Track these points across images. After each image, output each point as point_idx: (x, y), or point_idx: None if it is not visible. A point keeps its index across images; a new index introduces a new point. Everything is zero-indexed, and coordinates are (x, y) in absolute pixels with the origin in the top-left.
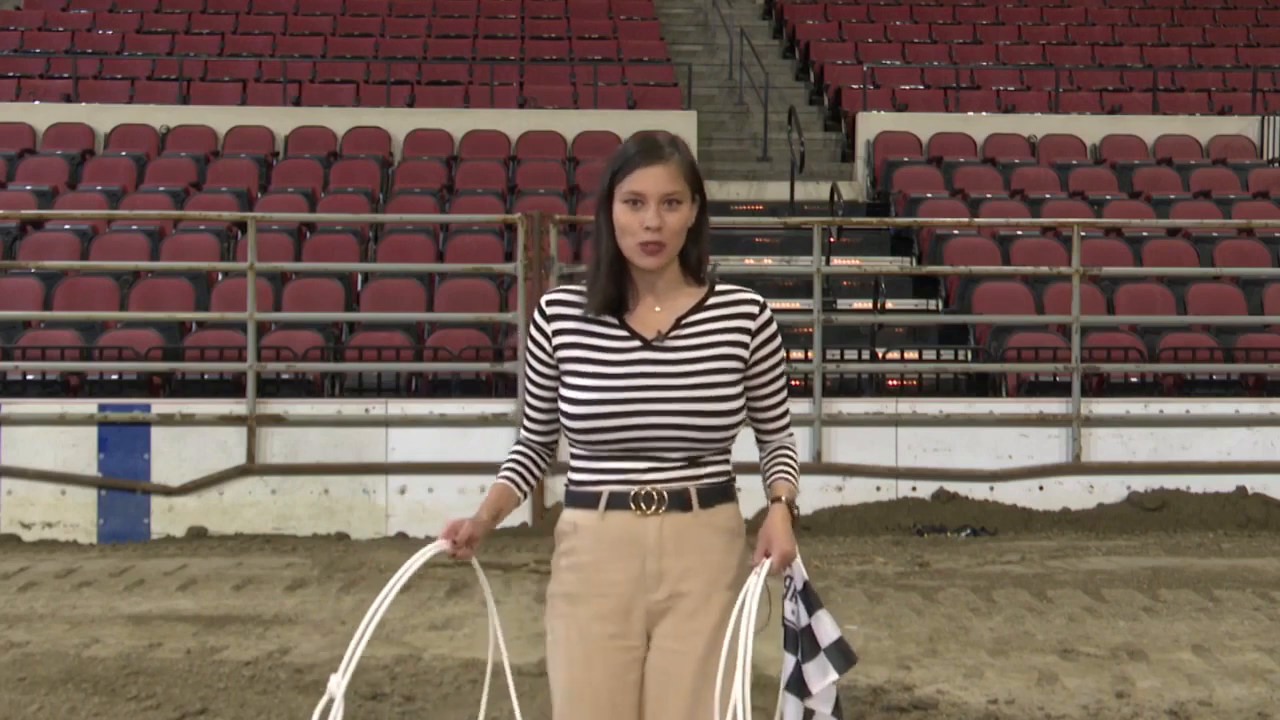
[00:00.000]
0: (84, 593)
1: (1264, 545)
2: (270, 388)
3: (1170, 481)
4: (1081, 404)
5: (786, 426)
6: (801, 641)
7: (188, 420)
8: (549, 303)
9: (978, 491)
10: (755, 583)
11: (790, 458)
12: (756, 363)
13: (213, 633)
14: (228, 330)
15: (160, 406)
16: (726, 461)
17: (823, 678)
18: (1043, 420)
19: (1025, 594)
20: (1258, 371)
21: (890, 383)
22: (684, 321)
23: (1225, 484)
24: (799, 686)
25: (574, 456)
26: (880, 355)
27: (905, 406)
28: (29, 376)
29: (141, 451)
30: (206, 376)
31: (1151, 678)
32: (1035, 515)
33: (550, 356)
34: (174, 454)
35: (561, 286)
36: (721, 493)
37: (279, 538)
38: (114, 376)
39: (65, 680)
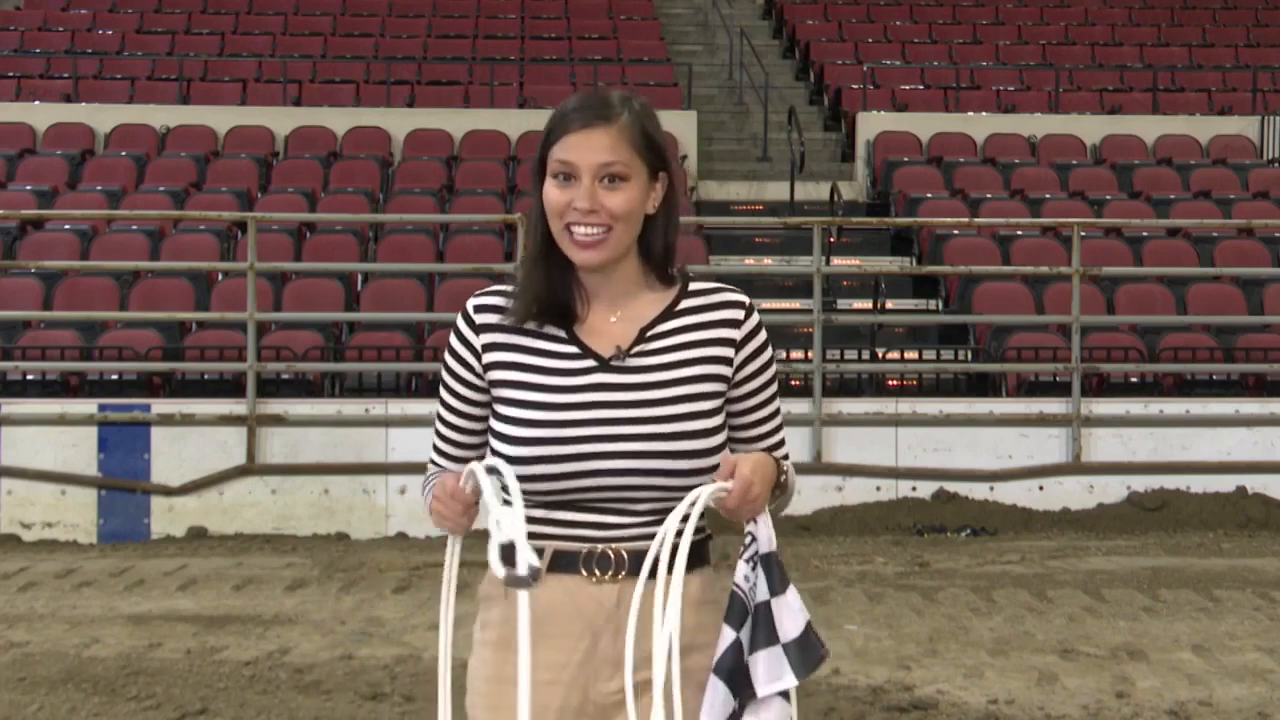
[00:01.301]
0: (84, 593)
1: (1264, 545)
2: (270, 388)
3: (1170, 481)
4: (1081, 404)
5: (782, 443)
6: (756, 621)
7: (188, 420)
8: (478, 308)
9: (978, 491)
10: (693, 503)
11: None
12: (743, 381)
13: (213, 633)
14: (228, 330)
15: (160, 406)
16: (702, 516)
17: (774, 679)
18: (1043, 420)
19: (1025, 594)
20: (1258, 371)
21: (890, 383)
22: (650, 333)
23: (1225, 484)
24: (735, 676)
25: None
26: (880, 355)
27: (905, 406)
28: (29, 376)
29: (141, 451)
30: (206, 376)
31: (1151, 678)
32: (1035, 515)
33: (479, 377)
34: (174, 454)
35: (495, 288)
36: (695, 553)
37: (279, 538)
38: (114, 376)
39: (65, 680)
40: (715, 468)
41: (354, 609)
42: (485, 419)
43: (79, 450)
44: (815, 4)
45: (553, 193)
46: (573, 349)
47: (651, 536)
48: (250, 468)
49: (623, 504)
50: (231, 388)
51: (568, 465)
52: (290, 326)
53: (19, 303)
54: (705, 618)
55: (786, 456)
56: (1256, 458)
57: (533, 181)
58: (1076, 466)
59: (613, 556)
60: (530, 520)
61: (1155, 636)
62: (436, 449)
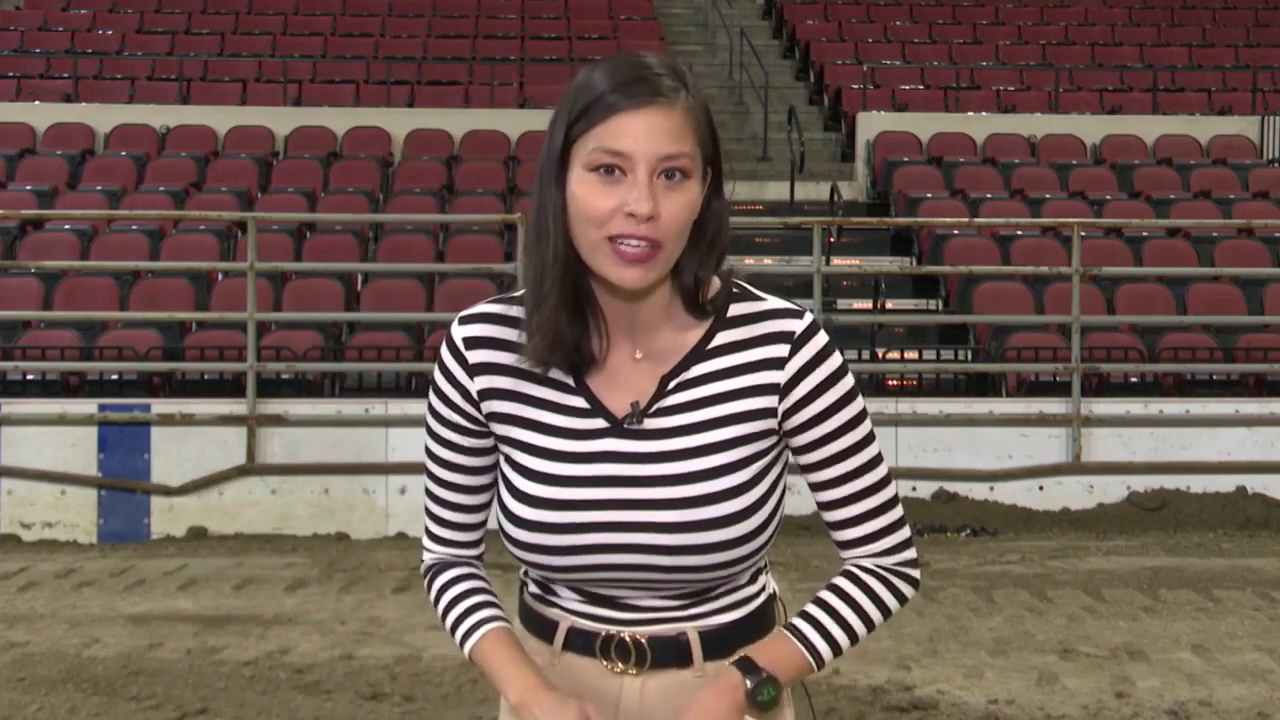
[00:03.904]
0: (84, 593)
1: (1264, 545)
2: (270, 388)
3: (1170, 481)
4: (1081, 404)
5: (882, 534)
6: None
7: (188, 420)
8: (470, 341)
9: (978, 491)
10: None
11: (860, 594)
12: (799, 429)
13: (213, 633)
14: (228, 330)
15: (160, 406)
16: (755, 580)
17: None
18: (1043, 420)
19: (1025, 594)
20: (1258, 371)
21: (890, 383)
22: (674, 383)
23: (1225, 484)
24: None
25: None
26: (880, 355)
27: (905, 406)
28: (29, 376)
29: (141, 451)
30: (206, 376)
31: (1151, 678)
32: (1035, 515)
33: (480, 426)
34: (174, 454)
35: (484, 310)
36: (746, 634)
37: (279, 538)
38: (114, 376)
39: (65, 680)
40: (758, 551)
41: (354, 609)
42: (492, 484)
43: (79, 450)
44: (815, 4)
45: (594, 193)
46: (580, 402)
47: (679, 618)
48: (250, 468)
49: (644, 588)
50: (231, 388)
51: (573, 558)
52: (290, 326)
53: (19, 303)
54: None
55: (890, 551)
56: (1256, 458)
57: (544, 178)
58: (1076, 466)
59: (631, 644)
60: (545, 587)
61: (1155, 636)
62: (430, 532)
